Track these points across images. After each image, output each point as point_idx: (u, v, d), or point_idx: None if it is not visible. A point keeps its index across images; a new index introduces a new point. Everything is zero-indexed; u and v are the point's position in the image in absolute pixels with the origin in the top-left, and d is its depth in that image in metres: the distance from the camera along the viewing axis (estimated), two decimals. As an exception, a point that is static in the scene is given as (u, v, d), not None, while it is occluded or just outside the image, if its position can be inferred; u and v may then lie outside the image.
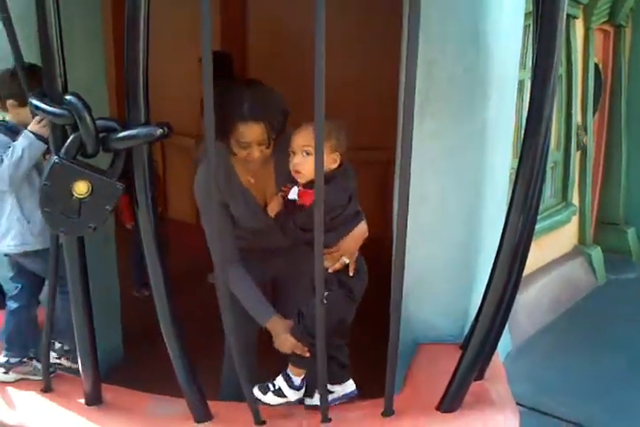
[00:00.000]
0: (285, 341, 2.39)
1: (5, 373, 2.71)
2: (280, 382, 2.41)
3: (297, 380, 2.39)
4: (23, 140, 2.50)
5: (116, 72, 4.28)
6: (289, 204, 2.32)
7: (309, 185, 2.24)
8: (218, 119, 1.92)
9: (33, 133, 2.48)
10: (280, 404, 2.39)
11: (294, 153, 2.26)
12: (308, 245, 2.24)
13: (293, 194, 2.31)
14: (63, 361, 2.75)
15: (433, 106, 2.59)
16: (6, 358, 2.72)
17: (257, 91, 2.36)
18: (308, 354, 2.34)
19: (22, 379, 2.71)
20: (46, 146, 2.45)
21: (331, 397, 2.39)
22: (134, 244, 4.66)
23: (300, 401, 2.43)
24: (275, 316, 2.49)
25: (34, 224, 2.65)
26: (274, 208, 2.40)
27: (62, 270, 2.33)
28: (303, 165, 2.24)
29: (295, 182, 2.30)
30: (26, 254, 2.70)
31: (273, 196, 2.46)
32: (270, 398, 2.38)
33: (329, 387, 2.36)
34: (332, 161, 2.25)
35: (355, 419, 2.36)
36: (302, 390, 2.39)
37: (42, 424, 2.40)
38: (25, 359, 2.73)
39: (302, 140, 2.23)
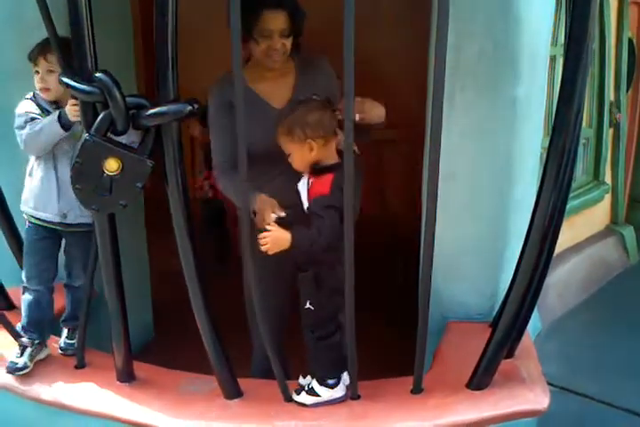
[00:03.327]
0: (261, 219, 2.33)
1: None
2: (313, 381, 2.36)
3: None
4: (48, 118, 2.42)
5: (144, 49, 4.28)
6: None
7: (317, 172, 2.24)
8: (243, 11, 1.91)
9: (60, 117, 2.38)
10: (315, 403, 2.32)
11: None
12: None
13: (304, 187, 2.27)
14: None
15: (462, 80, 2.56)
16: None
17: None
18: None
19: None
20: (65, 133, 2.40)
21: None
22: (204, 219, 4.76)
23: (339, 398, 2.35)
24: (260, 194, 2.41)
25: None
26: None
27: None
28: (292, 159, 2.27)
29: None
30: None
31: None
32: (304, 398, 2.33)
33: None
34: (307, 151, 2.21)
35: (384, 396, 2.36)
36: (338, 387, 2.33)
37: (75, 400, 2.44)
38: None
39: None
